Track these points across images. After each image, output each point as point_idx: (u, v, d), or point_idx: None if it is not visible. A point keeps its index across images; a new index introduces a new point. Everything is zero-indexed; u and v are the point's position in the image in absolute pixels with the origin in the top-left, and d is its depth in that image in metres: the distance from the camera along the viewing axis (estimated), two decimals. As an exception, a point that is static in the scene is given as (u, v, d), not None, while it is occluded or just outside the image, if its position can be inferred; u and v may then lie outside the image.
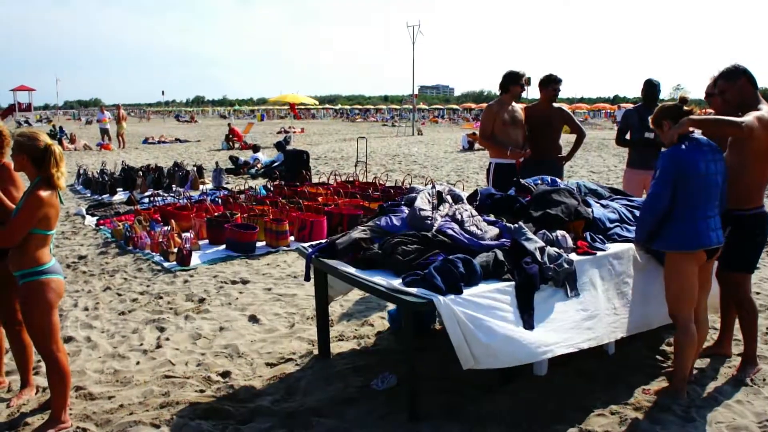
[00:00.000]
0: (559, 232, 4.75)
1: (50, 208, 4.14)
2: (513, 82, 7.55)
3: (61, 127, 38.21)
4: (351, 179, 14.13)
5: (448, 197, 5.11)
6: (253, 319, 6.32)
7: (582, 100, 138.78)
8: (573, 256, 4.54)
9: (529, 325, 4.09)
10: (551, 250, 4.47)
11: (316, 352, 5.43)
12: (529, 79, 7.81)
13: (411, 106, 49.20)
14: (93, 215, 12.25)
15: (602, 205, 5.44)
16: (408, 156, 22.65)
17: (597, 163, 20.02)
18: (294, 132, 38.88)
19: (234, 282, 7.60)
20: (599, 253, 4.67)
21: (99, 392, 4.86)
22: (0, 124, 4.68)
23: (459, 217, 4.79)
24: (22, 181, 4.55)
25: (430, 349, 5.14)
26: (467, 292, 3.98)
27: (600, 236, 4.90)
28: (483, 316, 3.95)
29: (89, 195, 15.19)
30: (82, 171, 17.04)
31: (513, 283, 4.19)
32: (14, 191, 4.51)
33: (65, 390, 4.35)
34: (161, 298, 7.13)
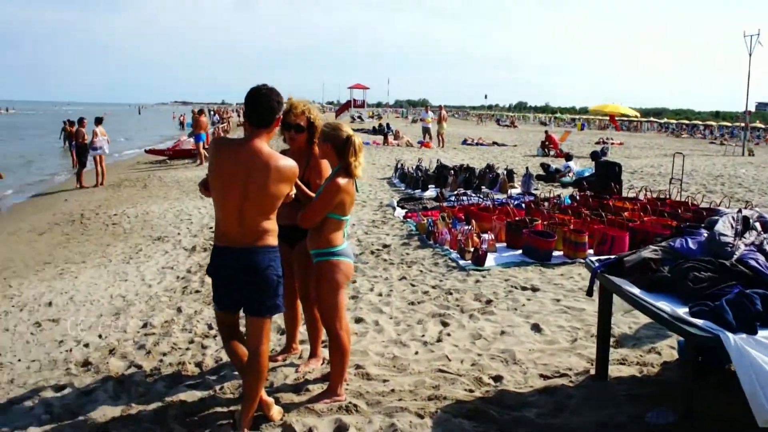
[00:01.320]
0: None
1: (346, 195, 4.43)
2: None
3: (388, 124, 40.91)
4: (662, 197, 13.38)
5: (757, 224, 4.60)
6: (536, 328, 6.22)
7: None
8: None
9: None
10: None
11: (593, 371, 5.21)
12: None
13: (743, 124, 45.29)
14: (402, 208, 12.92)
15: None
16: (733, 177, 20.89)
17: None
18: (612, 144, 37.76)
19: (524, 288, 7.55)
20: None
21: (375, 374, 5.12)
22: (315, 115, 5.06)
23: (767, 247, 4.29)
24: (328, 169, 4.89)
25: (720, 388, 4.67)
26: (762, 334, 3.55)
27: None
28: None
29: (403, 188, 16.06)
30: (399, 165, 18.03)
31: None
32: (317, 179, 4.87)
33: (343, 366, 4.64)
34: (450, 294, 7.30)
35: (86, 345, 6.15)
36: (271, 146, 4.07)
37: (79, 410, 4.75)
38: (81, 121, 20.86)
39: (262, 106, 3.95)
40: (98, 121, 20.98)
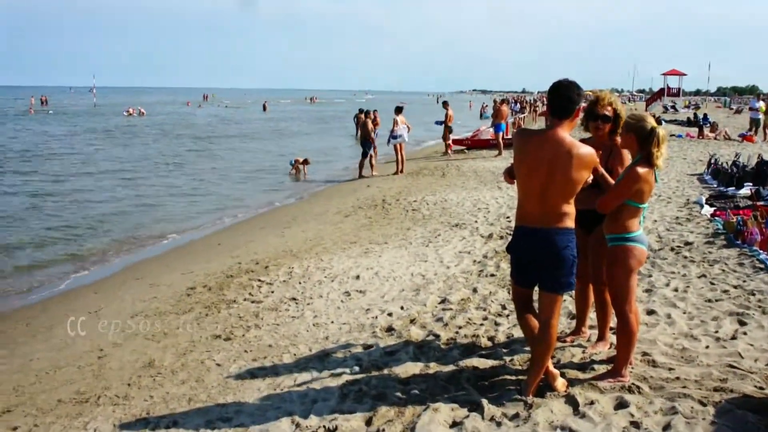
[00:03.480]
0: None
1: (645, 183, 4.64)
2: None
3: (705, 114, 38.43)
4: None
5: None
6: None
7: None
8: None
9: None
10: None
11: None
12: None
13: None
14: (711, 205, 12.35)
15: None
16: None
17: None
18: None
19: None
20: None
21: (662, 362, 5.23)
22: (620, 107, 5.28)
23: None
24: (629, 158, 5.08)
25: None
26: None
27: None
28: None
29: (715, 186, 15.24)
30: (713, 161, 17.05)
31: None
32: (619, 166, 5.10)
33: (629, 348, 4.85)
34: (753, 295, 6.99)
35: (390, 314, 6.95)
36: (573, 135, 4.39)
37: (383, 366, 5.52)
38: (368, 113, 21.78)
39: (563, 97, 4.32)
40: (398, 110, 21.87)
